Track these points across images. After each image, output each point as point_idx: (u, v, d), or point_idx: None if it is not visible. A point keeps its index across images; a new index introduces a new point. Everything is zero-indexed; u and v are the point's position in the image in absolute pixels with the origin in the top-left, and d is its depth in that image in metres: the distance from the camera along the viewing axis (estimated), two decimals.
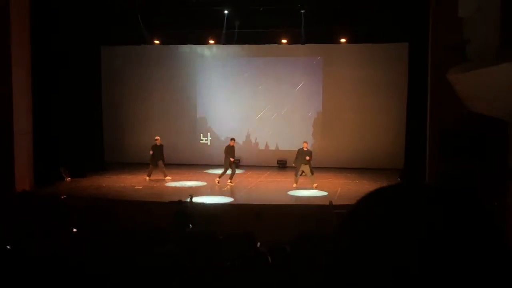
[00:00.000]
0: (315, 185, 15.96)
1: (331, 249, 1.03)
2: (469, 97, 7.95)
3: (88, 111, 19.13)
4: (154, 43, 19.99)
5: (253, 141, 20.76)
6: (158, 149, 17.48)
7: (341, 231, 1.03)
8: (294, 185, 16.13)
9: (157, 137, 17.71)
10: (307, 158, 16.01)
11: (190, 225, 10.98)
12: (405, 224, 0.95)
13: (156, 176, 17.46)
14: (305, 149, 16.26)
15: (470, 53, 8.53)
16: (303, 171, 16.17)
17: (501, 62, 5.30)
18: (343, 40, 18.98)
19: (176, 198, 12.93)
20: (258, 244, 8.30)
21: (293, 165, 16.44)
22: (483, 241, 0.95)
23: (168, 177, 17.37)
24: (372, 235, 0.96)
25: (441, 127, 12.30)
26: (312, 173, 16.09)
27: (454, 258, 0.92)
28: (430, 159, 13.62)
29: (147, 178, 17.34)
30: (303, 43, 18.99)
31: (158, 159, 17.38)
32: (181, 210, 11.79)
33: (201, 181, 17.34)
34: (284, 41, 19.28)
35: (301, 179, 16.35)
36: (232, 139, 17.21)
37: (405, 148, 18.12)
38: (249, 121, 20.59)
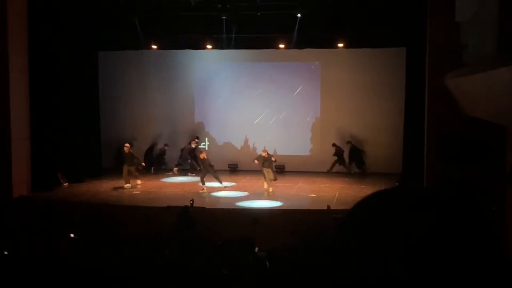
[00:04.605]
0: (271, 189, 16.20)
1: (328, 253, 1.03)
2: (467, 101, 7.96)
3: (86, 116, 19.12)
4: (151, 48, 20.00)
5: (251, 146, 20.74)
6: (127, 156, 17.17)
7: (338, 235, 1.03)
8: (271, 189, 16.26)
9: (127, 144, 17.42)
10: (273, 158, 16.35)
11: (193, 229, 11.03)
12: (400, 228, 0.95)
13: (153, 181, 17.47)
14: (265, 155, 16.44)
15: (468, 58, 8.54)
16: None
17: (499, 67, 5.30)
18: (340, 45, 19.01)
19: (174, 203, 12.94)
20: (257, 249, 8.30)
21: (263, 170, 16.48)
22: (477, 245, 0.95)
23: (127, 185, 17.01)
24: (368, 239, 0.96)
25: (439, 131, 12.31)
26: (275, 179, 16.36)
27: (446, 262, 0.91)
28: (428, 164, 13.62)
29: (138, 182, 17.34)
30: (300, 48, 19.00)
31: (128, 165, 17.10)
32: (186, 214, 11.82)
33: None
34: (281, 46, 19.30)
35: (302, 184, 16.32)
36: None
37: (403, 152, 18.13)
38: (247, 126, 20.59)
